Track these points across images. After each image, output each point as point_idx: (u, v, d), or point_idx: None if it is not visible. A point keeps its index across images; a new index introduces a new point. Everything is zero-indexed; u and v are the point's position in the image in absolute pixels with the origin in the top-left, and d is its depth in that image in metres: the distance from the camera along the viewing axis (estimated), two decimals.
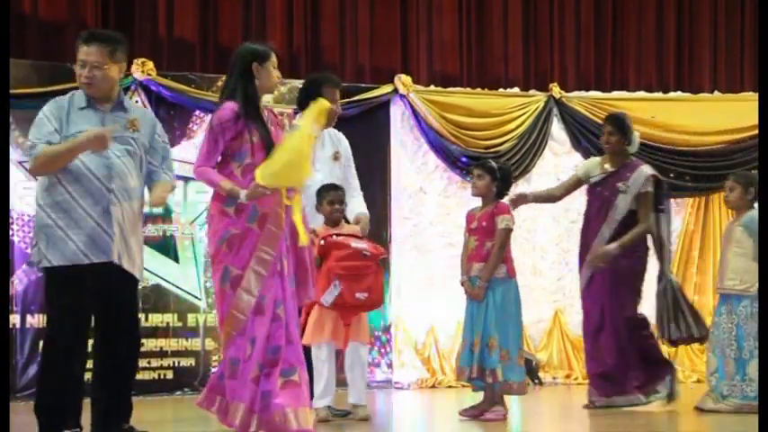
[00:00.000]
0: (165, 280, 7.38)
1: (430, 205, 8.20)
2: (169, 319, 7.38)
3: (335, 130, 5.63)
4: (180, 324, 7.40)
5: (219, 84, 7.65)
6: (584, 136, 8.50)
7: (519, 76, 8.66)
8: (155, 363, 7.28)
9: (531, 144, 8.32)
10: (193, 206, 7.50)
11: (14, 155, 6.73)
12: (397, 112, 8.16)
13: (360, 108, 7.85)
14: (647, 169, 5.99)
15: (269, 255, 4.17)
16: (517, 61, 8.69)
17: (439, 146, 8.14)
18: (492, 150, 8.16)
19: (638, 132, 6.21)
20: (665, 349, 6.49)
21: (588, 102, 8.55)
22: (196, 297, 7.44)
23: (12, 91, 5.35)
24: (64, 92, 4.32)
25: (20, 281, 6.98)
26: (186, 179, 7.45)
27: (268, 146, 4.23)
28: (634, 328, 5.92)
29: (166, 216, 7.41)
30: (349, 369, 5.28)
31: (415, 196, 8.17)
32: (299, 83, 6.66)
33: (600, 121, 8.45)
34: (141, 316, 7.22)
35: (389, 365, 7.89)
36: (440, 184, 8.23)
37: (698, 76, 9.06)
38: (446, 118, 8.17)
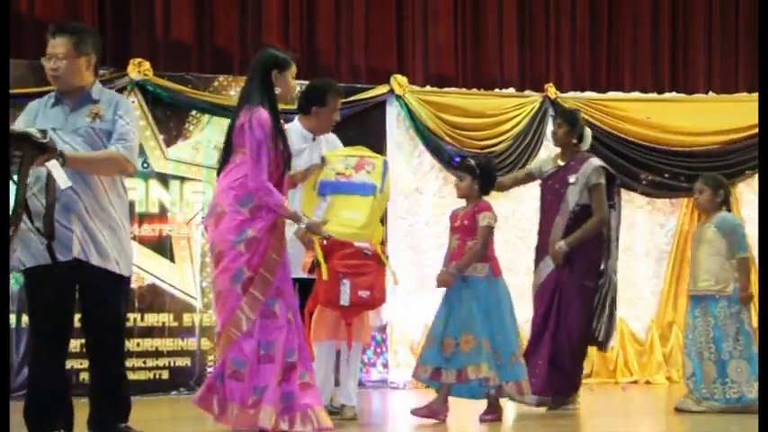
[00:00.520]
0: (160, 280, 7.38)
1: (425, 205, 8.22)
2: (165, 318, 7.39)
3: (334, 135, 5.66)
4: (176, 324, 7.40)
5: (216, 84, 7.69)
6: None
7: (514, 76, 8.68)
8: (150, 363, 7.28)
9: (527, 144, 8.33)
10: (189, 206, 7.51)
11: None
12: (393, 112, 8.17)
13: (355, 108, 7.86)
14: (595, 161, 6.05)
15: (277, 261, 4.26)
16: (512, 62, 8.71)
17: (434, 146, 8.15)
18: (487, 151, 8.17)
19: (589, 130, 6.29)
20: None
21: (583, 102, 8.56)
22: (192, 297, 7.45)
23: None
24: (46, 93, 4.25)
25: (16, 280, 6.98)
26: (182, 179, 7.47)
27: (286, 157, 4.34)
28: (572, 329, 5.88)
29: (162, 216, 7.43)
30: (343, 369, 5.30)
31: (410, 196, 8.19)
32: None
33: (596, 122, 8.52)
34: (137, 316, 7.30)
35: (385, 365, 7.90)
36: (435, 184, 8.24)
37: (693, 76, 9.09)
38: (442, 118, 8.18)
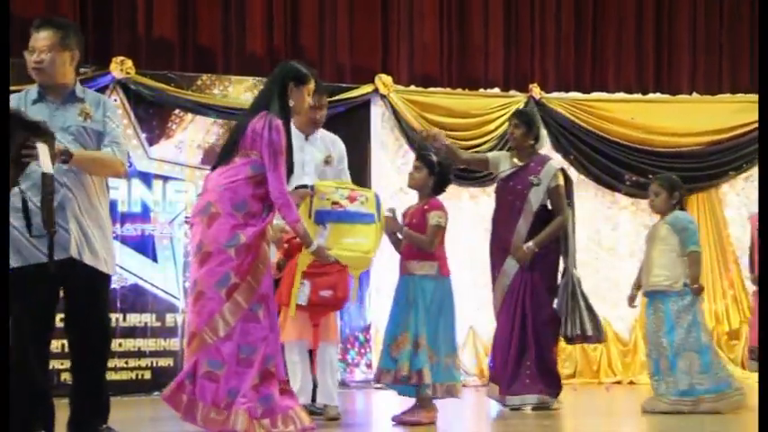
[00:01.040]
0: (143, 280, 7.34)
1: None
2: (147, 319, 7.34)
3: (332, 135, 5.64)
4: (158, 324, 7.35)
5: (199, 83, 7.65)
6: (563, 137, 8.53)
7: (499, 76, 8.69)
8: (132, 363, 7.24)
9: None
10: (172, 206, 7.47)
11: None
12: (378, 112, 8.16)
13: (340, 108, 7.84)
14: (555, 163, 6.15)
15: (263, 269, 4.26)
16: (497, 62, 8.71)
17: (419, 146, 8.13)
18: (472, 151, 8.16)
19: (545, 131, 6.30)
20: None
21: (568, 103, 8.58)
22: (174, 297, 7.40)
23: None
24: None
25: None
26: (165, 178, 7.42)
27: (290, 170, 4.37)
28: (549, 328, 5.90)
29: (145, 215, 7.38)
30: (319, 369, 5.28)
31: (395, 196, 8.16)
32: None
33: (580, 123, 8.54)
34: (119, 316, 7.24)
35: (368, 366, 7.87)
36: None
37: (676, 77, 9.12)
38: (426, 118, 8.17)
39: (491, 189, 6.88)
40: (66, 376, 6.35)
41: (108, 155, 4.07)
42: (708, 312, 8.73)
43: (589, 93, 8.80)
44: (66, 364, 4.18)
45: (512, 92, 8.57)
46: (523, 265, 5.89)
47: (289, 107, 4.42)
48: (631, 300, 6.07)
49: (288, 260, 5.08)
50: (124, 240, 7.23)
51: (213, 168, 4.44)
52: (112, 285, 5.09)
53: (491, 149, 8.20)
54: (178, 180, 7.47)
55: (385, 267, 8.02)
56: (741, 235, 8.72)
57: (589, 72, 8.97)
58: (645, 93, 8.94)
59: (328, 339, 5.29)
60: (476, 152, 8.10)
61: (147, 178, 7.39)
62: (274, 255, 5.12)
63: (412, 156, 8.20)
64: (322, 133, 5.60)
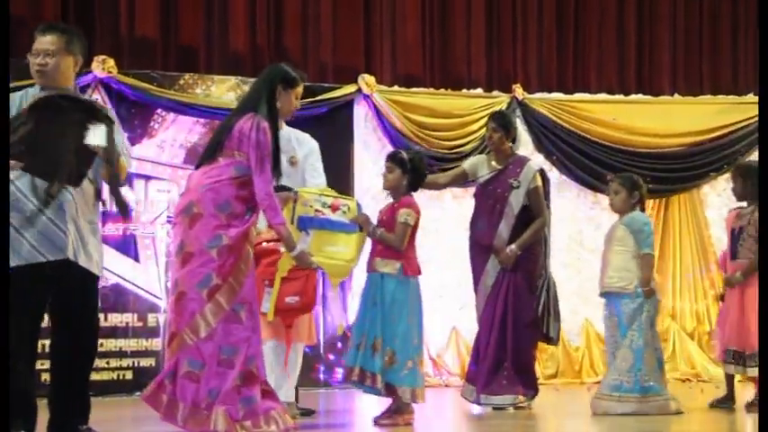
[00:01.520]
0: (124, 279, 7.31)
1: None
2: (129, 319, 7.31)
3: (302, 134, 5.59)
4: (140, 324, 7.32)
5: (181, 82, 7.62)
6: (546, 137, 8.56)
7: (482, 77, 8.71)
8: (114, 363, 7.21)
9: None
10: (154, 205, 7.44)
11: None
12: (361, 112, 8.15)
13: (323, 108, 7.83)
14: (534, 165, 6.16)
15: (245, 270, 4.25)
16: (480, 62, 8.73)
17: (402, 146, 8.12)
18: (455, 151, 8.19)
19: (521, 129, 6.34)
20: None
21: (551, 103, 8.60)
22: (156, 297, 7.37)
23: None
24: (20, 89, 4.19)
25: None
26: (147, 178, 7.40)
27: (275, 171, 4.37)
28: (529, 330, 5.94)
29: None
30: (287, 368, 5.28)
31: (377, 197, 8.14)
32: None
33: (563, 123, 8.56)
34: (100, 316, 7.19)
35: None
36: None
37: (658, 78, 9.16)
38: (409, 118, 8.18)
39: (473, 189, 6.89)
40: (45, 377, 6.31)
41: (123, 163, 4.14)
42: (689, 312, 8.78)
43: (571, 93, 8.83)
44: (47, 364, 4.14)
45: (494, 92, 8.59)
46: (506, 267, 5.92)
47: (276, 109, 4.41)
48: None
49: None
50: (106, 240, 7.15)
51: (197, 167, 4.42)
52: None
53: (474, 150, 8.23)
54: (160, 179, 7.44)
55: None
56: (722, 235, 8.72)
57: (571, 73, 9.00)
58: (627, 94, 8.98)
59: (302, 339, 5.33)
60: (458, 152, 8.13)
61: (128, 177, 7.33)
62: None
63: None
64: (289, 132, 5.50)
